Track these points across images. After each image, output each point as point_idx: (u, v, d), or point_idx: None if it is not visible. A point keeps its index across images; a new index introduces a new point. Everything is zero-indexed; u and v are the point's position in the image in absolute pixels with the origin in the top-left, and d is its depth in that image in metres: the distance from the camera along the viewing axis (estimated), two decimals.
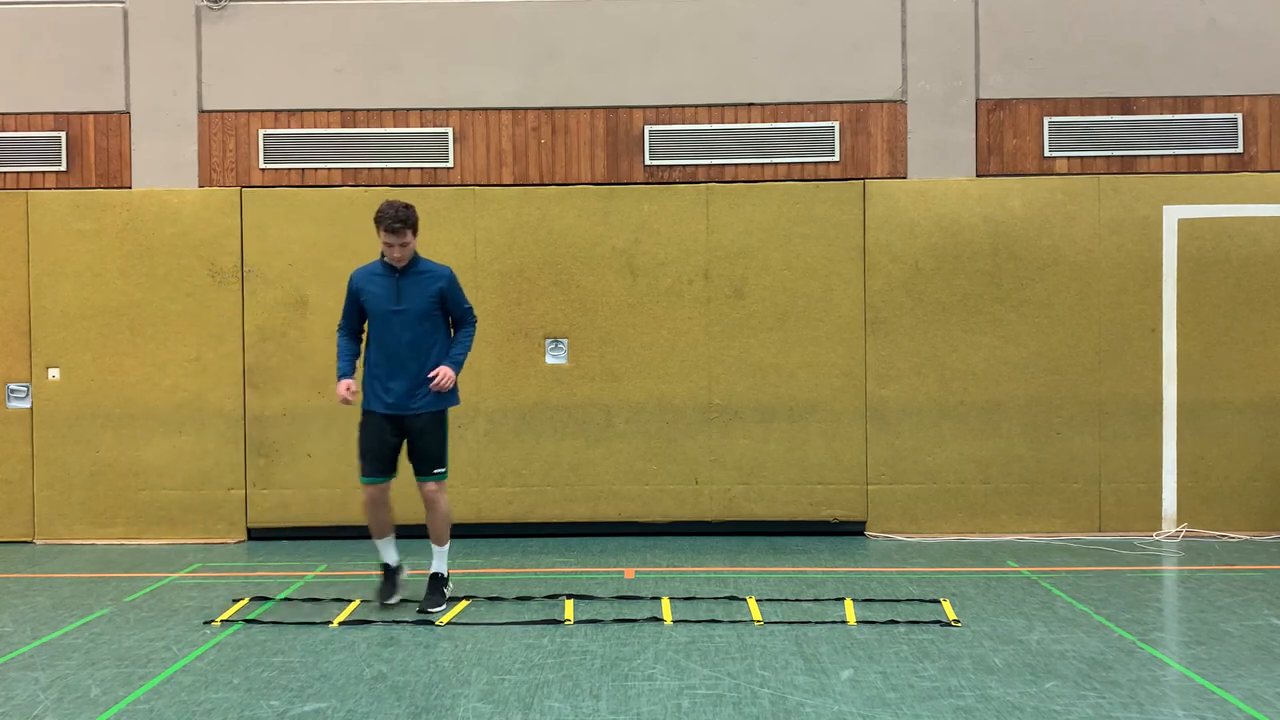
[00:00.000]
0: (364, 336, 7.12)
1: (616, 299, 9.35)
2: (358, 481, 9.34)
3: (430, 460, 6.96)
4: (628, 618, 6.77)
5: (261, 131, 9.73)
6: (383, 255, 6.97)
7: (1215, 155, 9.60)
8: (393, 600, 7.04)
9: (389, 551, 7.16)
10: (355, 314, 7.05)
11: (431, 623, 6.69)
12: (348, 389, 6.97)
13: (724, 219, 9.37)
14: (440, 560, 7.12)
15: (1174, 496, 9.25)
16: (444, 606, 6.97)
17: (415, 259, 6.95)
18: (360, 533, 9.37)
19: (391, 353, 6.88)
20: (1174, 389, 9.23)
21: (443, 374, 6.81)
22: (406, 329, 6.87)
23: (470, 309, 7.08)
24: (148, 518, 9.37)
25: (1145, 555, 8.60)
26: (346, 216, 9.39)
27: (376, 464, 7.00)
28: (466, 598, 7.28)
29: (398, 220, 6.74)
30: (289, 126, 9.77)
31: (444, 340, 7.00)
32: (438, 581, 7.08)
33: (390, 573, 7.15)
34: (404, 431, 6.96)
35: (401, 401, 6.89)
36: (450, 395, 6.99)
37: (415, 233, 6.85)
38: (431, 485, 6.96)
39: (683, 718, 5.11)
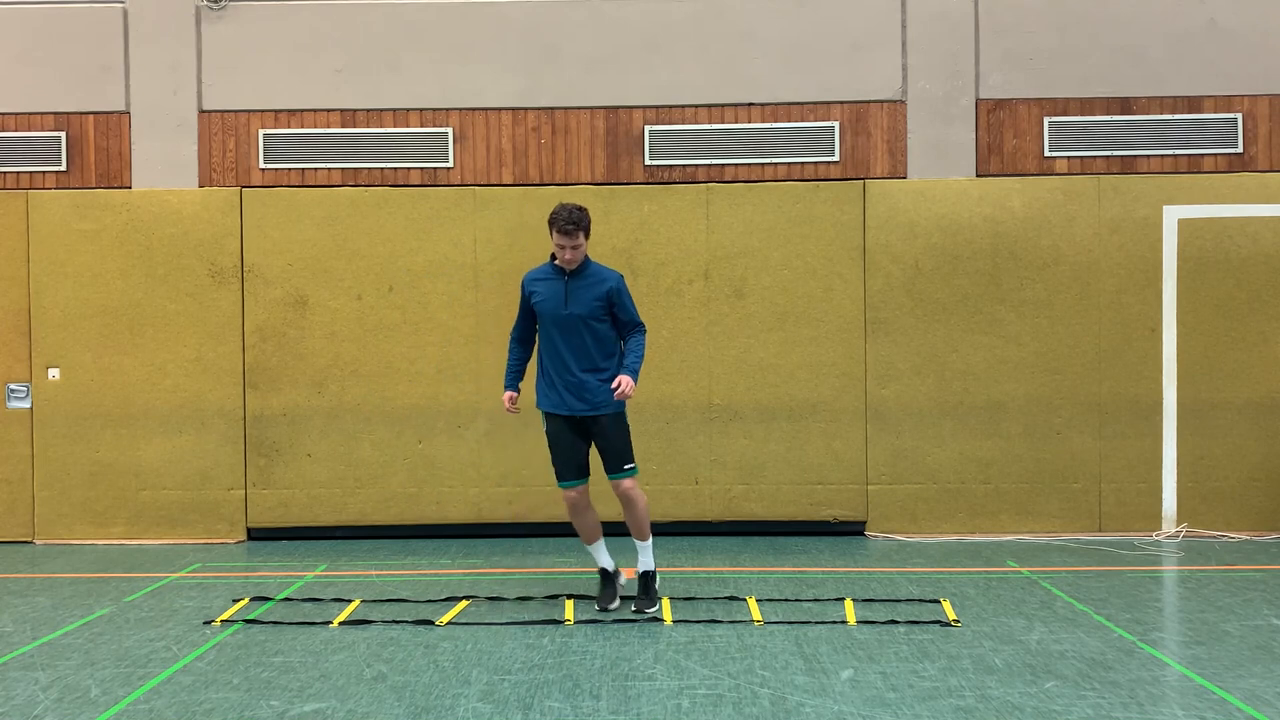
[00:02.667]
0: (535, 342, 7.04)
1: None
2: (358, 482, 9.40)
3: (618, 457, 6.84)
4: (628, 618, 6.77)
5: (261, 131, 9.73)
6: (553, 257, 6.89)
7: (1215, 155, 9.60)
8: (614, 605, 6.90)
9: (602, 556, 7.05)
10: (527, 315, 6.98)
11: (429, 623, 6.69)
12: (511, 401, 7.00)
13: (724, 219, 9.37)
14: (646, 556, 6.98)
15: (1174, 496, 9.25)
16: (657, 605, 6.89)
17: (585, 262, 6.86)
18: (360, 533, 9.41)
19: (564, 355, 6.80)
20: (1174, 389, 9.23)
21: (624, 383, 6.67)
22: (577, 332, 6.78)
23: (638, 318, 6.95)
24: (148, 518, 9.37)
25: (1145, 555, 8.60)
26: (346, 216, 9.40)
27: (568, 467, 6.91)
28: (466, 598, 7.28)
29: (570, 222, 6.67)
30: (289, 126, 9.77)
31: (612, 344, 6.90)
32: (648, 579, 6.95)
33: (607, 577, 7.03)
34: (588, 434, 6.90)
35: (583, 404, 6.80)
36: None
37: (588, 235, 6.78)
38: (626, 482, 6.84)
39: (683, 718, 5.11)
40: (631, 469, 6.87)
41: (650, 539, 6.99)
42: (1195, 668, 5.76)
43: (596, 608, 6.92)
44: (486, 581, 7.85)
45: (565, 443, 6.89)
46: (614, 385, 6.69)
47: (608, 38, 9.73)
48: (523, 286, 7.01)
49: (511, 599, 7.26)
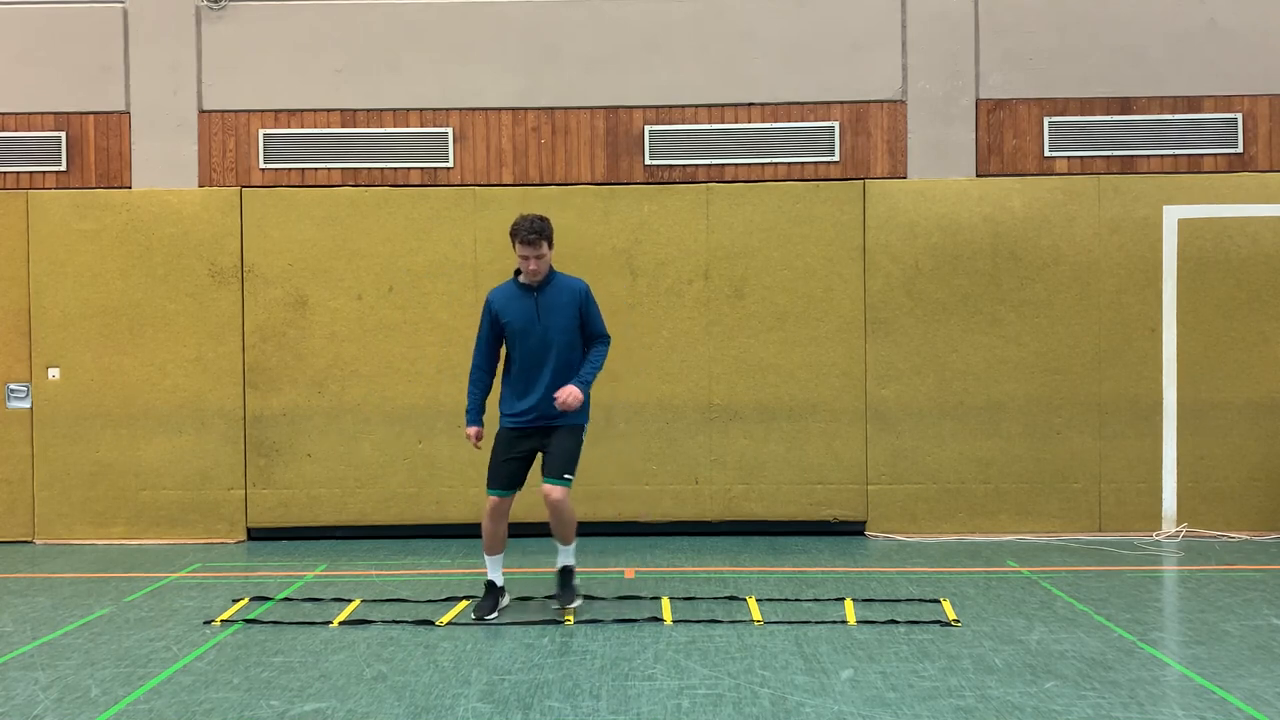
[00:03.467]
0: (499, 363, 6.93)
1: (616, 299, 9.34)
2: (358, 482, 9.40)
3: (560, 464, 6.71)
4: (628, 618, 6.77)
5: (261, 131, 9.73)
6: (516, 274, 6.80)
7: (1215, 155, 9.60)
8: (491, 616, 6.80)
9: (498, 569, 6.97)
10: (493, 339, 6.84)
11: (429, 623, 6.69)
12: (478, 436, 6.87)
13: (724, 219, 9.37)
14: (568, 557, 6.93)
15: (1174, 496, 9.25)
16: (578, 601, 6.87)
17: (551, 273, 6.77)
18: (360, 533, 9.40)
19: (534, 370, 6.71)
20: (1174, 389, 9.23)
21: (568, 393, 6.58)
22: (548, 345, 6.70)
23: (604, 329, 6.90)
24: (148, 518, 9.37)
25: (1145, 555, 8.60)
26: (346, 216, 9.40)
27: (505, 477, 6.83)
28: (466, 598, 7.28)
29: (533, 231, 6.57)
30: (289, 126, 9.77)
31: (580, 355, 6.83)
32: (568, 574, 6.91)
33: (494, 589, 6.93)
34: (537, 443, 6.79)
35: (539, 416, 6.72)
36: (583, 412, 6.79)
37: (551, 245, 6.67)
38: (559, 491, 6.67)
39: (683, 718, 5.11)
40: (568, 480, 6.71)
41: (574, 544, 6.92)
42: (1195, 668, 5.76)
43: (473, 616, 6.77)
44: None
45: (511, 453, 6.79)
46: (555, 395, 6.59)
47: (608, 38, 9.73)
48: (487, 308, 6.82)
49: (511, 599, 7.26)
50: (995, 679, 5.59)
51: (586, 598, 7.21)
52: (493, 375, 6.92)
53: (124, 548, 9.22)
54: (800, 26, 9.70)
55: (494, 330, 6.81)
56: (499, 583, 6.94)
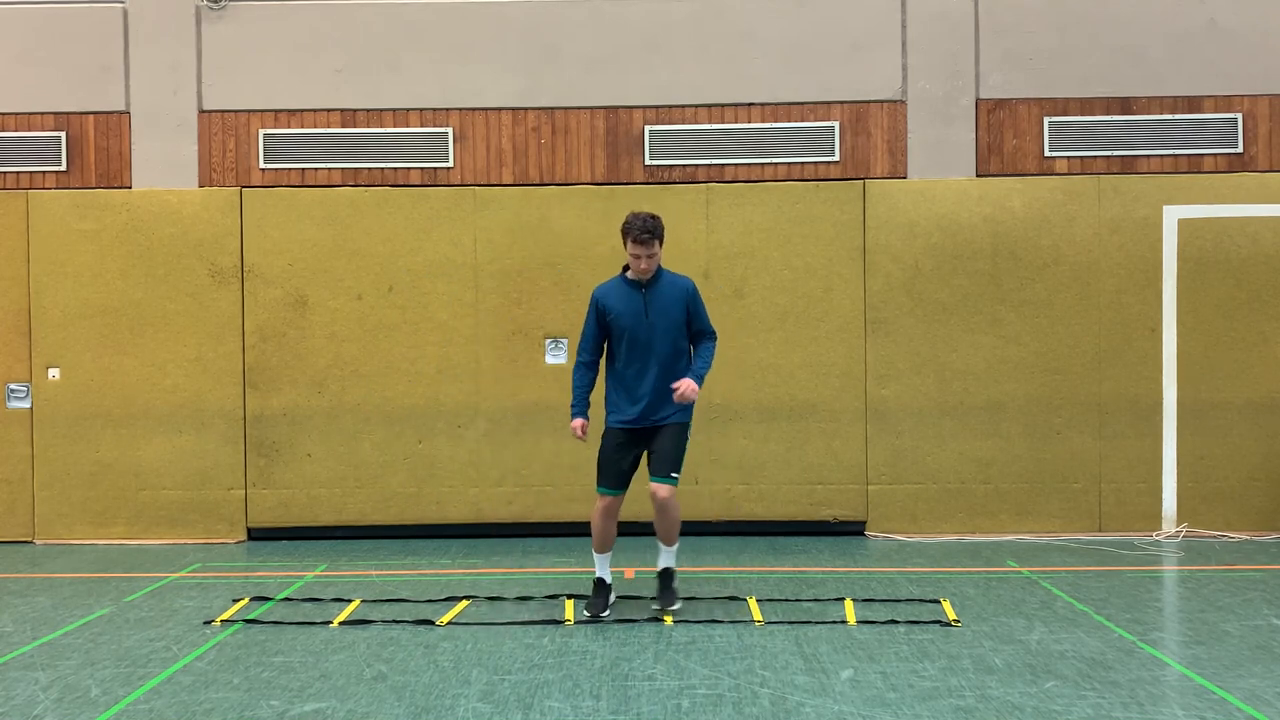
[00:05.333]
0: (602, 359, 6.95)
1: None
2: (358, 482, 9.40)
3: (669, 463, 6.73)
4: (628, 618, 6.77)
5: (261, 131, 9.73)
6: (624, 270, 6.84)
7: (1215, 155, 9.60)
8: (604, 614, 6.80)
9: (606, 567, 6.97)
10: (598, 334, 6.85)
11: (429, 623, 6.69)
12: (583, 429, 6.84)
13: (724, 219, 9.37)
14: (669, 559, 6.92)
15: (1174, 496, 9.25)
16: (678, 604, 6.84)
17: (659, 271, 6.79)
18: (360, 533, 9.40)
19: (644, 368, 6.72)
20: (1174, 389, 9.23)
21: (687, 386, 6.60)
22: (655, 342, 6.71)
23: (711, 325, 6.90)
24: (148, 518, 9.37)
25: (1145, 555, 8.60)
26: (346, 216, 9.40)
27: (615, 476, 6.81)
28: (466, 598, 7.28)
29: (646, 231, 6.58)
30: (289, 126, 9.77)
31: (687, 352, 6.85)
32: (668, 577, 6.90)
33: (604, 587, 6.91)
34: (646, 442, 6.80)
35: (647, 415, 6.74)
36: (688, 410, 6.81)
37: (662, 243, 6.69)
38: (666, 489, 6.68)
39: (683, 718, 5.11)
40: (676, 478, 6.75)
41: (676, 545, 6.93)
42: (1195, 668, 5.76)
43: (586, 613, 6.81)
44: (486, 581, 7.85)
45: (620, 453, 6.80)
46: (674, 386, 6.62)
47: (608, 38, 9.73)
48: (594, 304, 6.85)
49: (511, 599, 7.27)
50: (995, 679, 5.59)
51: (586, 598, 7.21)
52: (596, 369, 6.95)
53: (124, 548, 9.22)
54: (800, 26, 9.70)
55: (600, 326, 6.84)
56: (608, 580, 6.94)
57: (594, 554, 6.96)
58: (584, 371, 6.91)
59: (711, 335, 6.93)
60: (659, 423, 6.76)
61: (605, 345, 6.91)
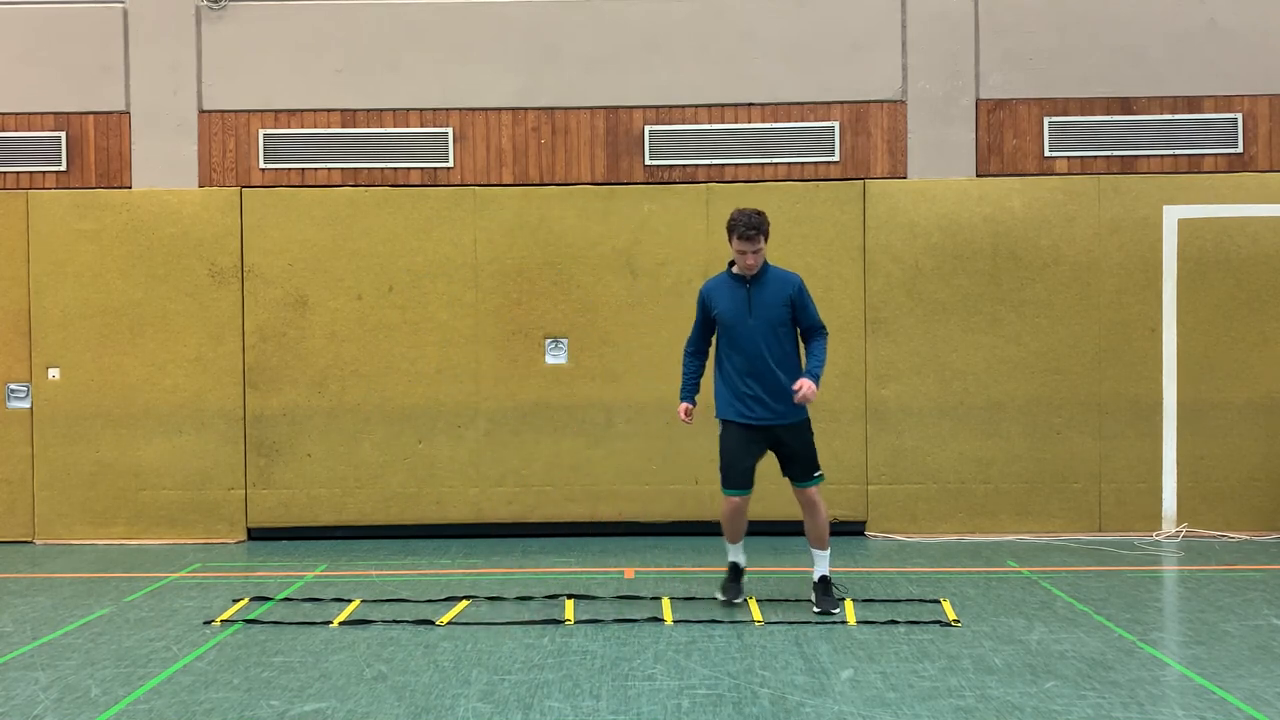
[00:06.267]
0: (709, 352, 7.04)
1: (616, 299, 9.35)
2: (358, 482, 9.40)
3: (809, 465, 6.85)
4: (628, 618, 6.77)
5: (261, 131, 9.73)
6: (730, 265, 6.88)
7: (1215, 155, 9.60)
8: (739, 600, 6.96)
9: (740, 553, 7.09)
10: (705, 327, 6.94)
11: (429, 623, 6.69)
12: (687, 413, 6.95)
13: (724, 219, 9.29)
14: (824, 564, 6.95)
15: (1174, 496, 9.24)
16: (839, 608, 6.84)
17: (765, 267, 6.83)
18: (360, 533, 9.40)
19: (748, 362, 6.76)
20: (1174, 389, 9.23)
21: (806, 386, 6.64)
22: (762, 338, 6.75)
23: (820, 321, 6.93)
24: (148, 518, 9.37)
25: (1145, 555, 8.60)
26: (346, 216, 9.40)
27: (740, 476, 6.87)
28: (466, 598, 7.28)
29: (751, 227, 6.64)
30: (289, 126, 9.77)
31: (795, 350, 6.87)
32: (827, 583, 6.93)
33: (738, 571, 7.08)
34: (770, 442, 6.86)
35: (762, 414, 6.78)
36: (804, 406, 6.84)
37: (767, 239, 6.74)
38: (814, 490, 6.85)
39: (683, 718, 5.11)
40: (820, 476, 6.86)
41: (829, 549, 6.97)
42: (1195, 668, 5.76)
43: (721, 598, 6.93)
44: (486, 581, 7.85)
45: (742, 451, 6.83)
46: (795, 387, 6.66)
47: (608, 38, 9.73)
48: (701, 297, 6.95)
49: (511, 599, 7.26)
50: (995, 679, 5.59)
51: (586, 597, 7.22)
52: (704, 358, 7.06)
53: (124, 548, 9.22)
54: (800, 26, 9.70)
55: (706, 320, 6.93)
56: (741, 564, 7.10)
57: (726, 544, 7.08)
58: (691, 360, 7.06)
59: (823, 331, 6.94)
60: (779, 423, 6.80)
61: (712, 340, 7.00)
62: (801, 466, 6.86)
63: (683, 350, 7.12)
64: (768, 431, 6.81)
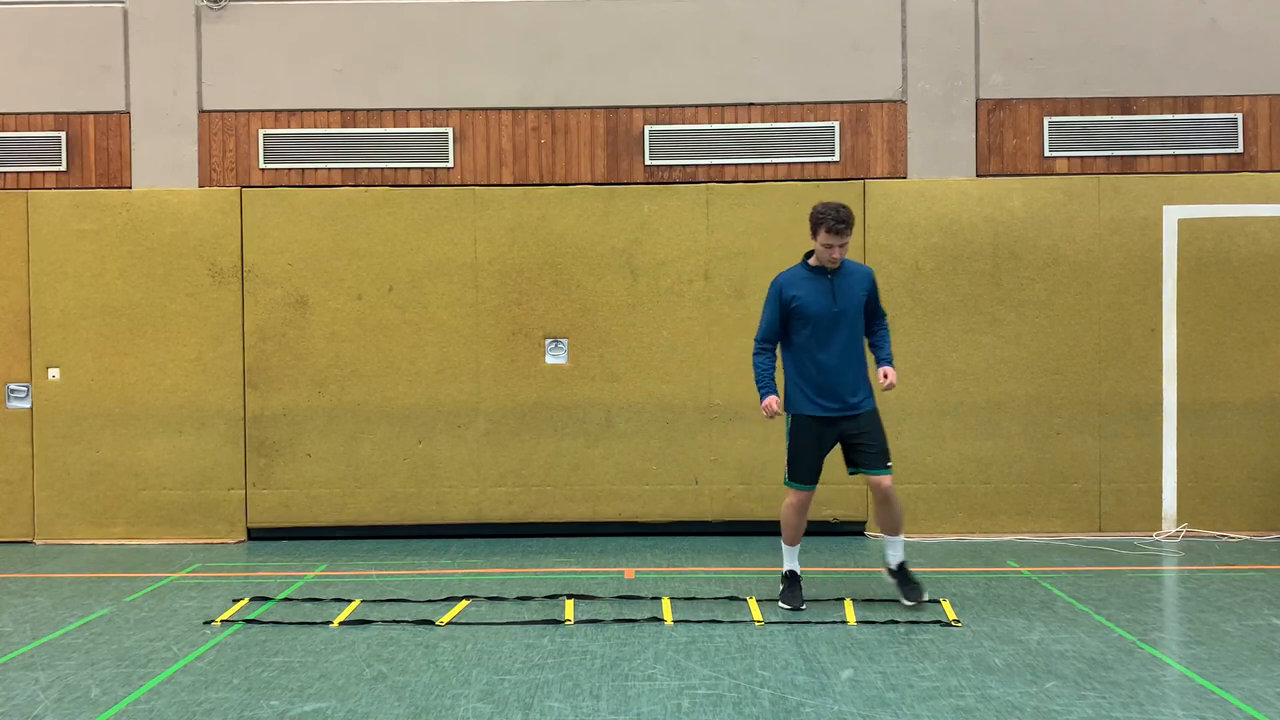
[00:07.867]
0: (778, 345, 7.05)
1: (616, 299, 9.36)
2: (358, 482, 9.39)
3: (884, 454, 6.86)
4: (628, 618, 6.77)
5: (261, 131, 9.73)
6: (804, 258, 6.94)
7: (1215, 155, 9.60)
8: (804, 606, 6.90)
9: (795, 558, 7.08)
10: (780, 321, 6.93)
11: (429, 623, 6.69)
12: (777, 404, 6.92)
13: (724, 219, 9.37)
14: (898, 550, 6.96)
15: (1174, 496, 9.25)
16: (926, 594, 6.91)
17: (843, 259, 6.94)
18: (360, 533, 9.40)
19: (830, 355, 6.81)
20: (1174, 389, 9.23)
21: (893, 375, 6.87)
22: (844, 330, 6.83)
23: (883, 307, 7.14)
24: (148, 518, 9.37)
25: (1145, 555, 8.60)
26: (346, 216, 9.40)
27: (809, 471, 6.90)
28: (466, 598, 7.28)
29: (840, 221, 6.69)
30: (289, 126, 9.77)
31: (862, 338, 6.98)
32: (906, 570, 6.96)
33: (796, 579, 7.04)
34: (842, 433, 6.88)
35: (842, 402, 6.82)
36: (872, 392, 6.95)
37: (851, 232, 6.81)
38: (888, 478, 6.86)
39: (683, 718, 5.11)
40: (892, 466, 6.91)
41: (902, 536, 7.00)
42: (1195, 668, 5.76)
43: (787, 607, 6.87)
44: (486, 581, 7.85)
45: (815, 446, 6.88)
46: (882, 375, 6.81)
47: (608, 38, 9.73)
48: (778, 291, 6.91)
49: (511, 599, 7.26)
50: (995, 679, 5.59)
51: (586, 597, 7.22)
52: (773, 352, 7.06)
53: (124, 548, 9.22)
54: (800, 26, 9.70)
55: (783, 312, 6.92)
56: (798, 571, 7.08)
57: (784, 547, 7.07)
58: (765, 356, 7.03)
59: (886, 317, 7.12)
60: (853, 411, 6.85)
61: (784, 333, 6.99)
62: (877, 454, 6.85)
63: (754, 351, 7.02)
64: (842, 423, 6.86)
